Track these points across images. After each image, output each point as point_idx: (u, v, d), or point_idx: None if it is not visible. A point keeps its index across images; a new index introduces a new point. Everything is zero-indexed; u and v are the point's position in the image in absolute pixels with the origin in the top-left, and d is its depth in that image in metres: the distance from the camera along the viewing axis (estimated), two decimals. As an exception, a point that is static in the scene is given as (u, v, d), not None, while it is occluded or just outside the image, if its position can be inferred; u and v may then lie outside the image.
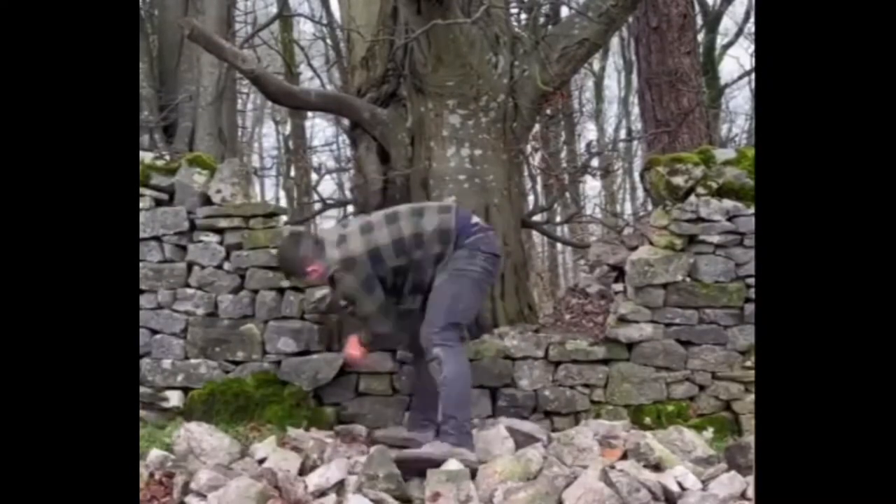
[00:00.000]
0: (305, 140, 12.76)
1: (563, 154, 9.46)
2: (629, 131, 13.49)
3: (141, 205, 3.42)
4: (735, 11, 11.38)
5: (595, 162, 5.84)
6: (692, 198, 3.32)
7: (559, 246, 11.21)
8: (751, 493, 2.40)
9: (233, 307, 3.41)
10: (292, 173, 12.63)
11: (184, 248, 3.47)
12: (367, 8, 4.78)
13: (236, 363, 3.41)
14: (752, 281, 3.26)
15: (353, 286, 2.89)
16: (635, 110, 11.42)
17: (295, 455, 2.79)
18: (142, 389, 3.37)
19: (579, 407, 3.34)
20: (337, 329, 3.44)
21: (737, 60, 16.77)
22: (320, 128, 16.69)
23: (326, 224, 8.56)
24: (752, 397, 3.21)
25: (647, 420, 3.27)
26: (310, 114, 11.26)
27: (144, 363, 3.43)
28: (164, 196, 3.51)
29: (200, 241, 3.45)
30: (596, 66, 13.31)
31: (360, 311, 2.97)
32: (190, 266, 3.46)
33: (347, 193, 7.65)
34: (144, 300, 3.44)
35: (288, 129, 13.14)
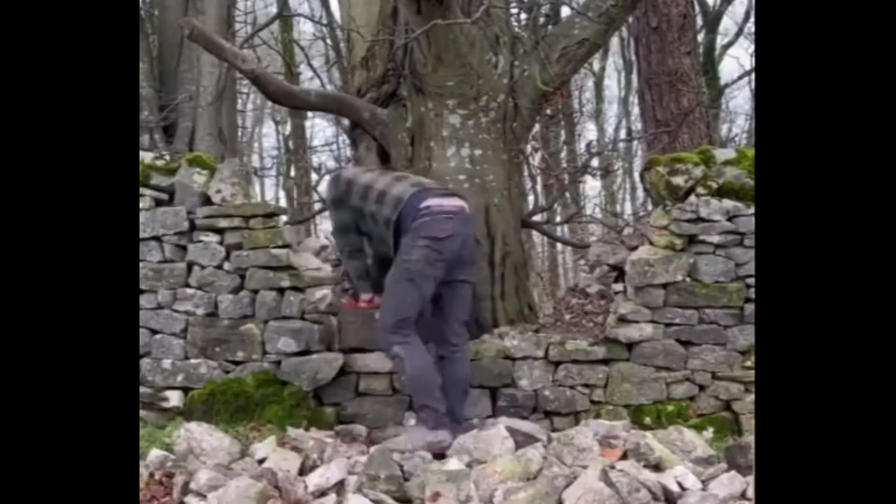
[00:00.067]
0: (305, 140, 12.77)
1: (563, 154, 9.47)
2: (629, 131, 13.50)
3: (141, 205, 3.42)
4: (735, 11, 11.40)
5: (595, 162, 5.84)
6: (692, 198, 3.32)
7: (559, 246, 11.22)
8: (751, 493, 2.40)
9: (233, 307, 3.41)
10: (292, 173, 12.64)
11: (184, 248, 3.47)
12: (367, 8, 4.78)
13: (236, 363, 3.41)
14: (752, 281, 3.26)
15: (327, 198, 3.48)
16: (635, 110, 11.43)
17: (295, 455, 2.79)
18: (142, 389, 3.37)
19: (579, 407, 3.34)
20: (337, 329, 3.44)
21: (737, 60, 16.80)
22: (320, 128, 16.72)
23: (326, 224, 8.56)
24: (752, 397, 3.21)
25: (647, 420, 3.27)
26: (310, 114, 11.27)
27: (144, 363, 3.43)
28: (164, 196, 3.51)
29: (200, 241, 3.45)
30: (596, 66, 13.33)
31: (332, 225, 3.44)
32: (190, 266, 3.46)
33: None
34: (144, 300, 3.44)
35: (288, 129, 13.16)
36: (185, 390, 3.42)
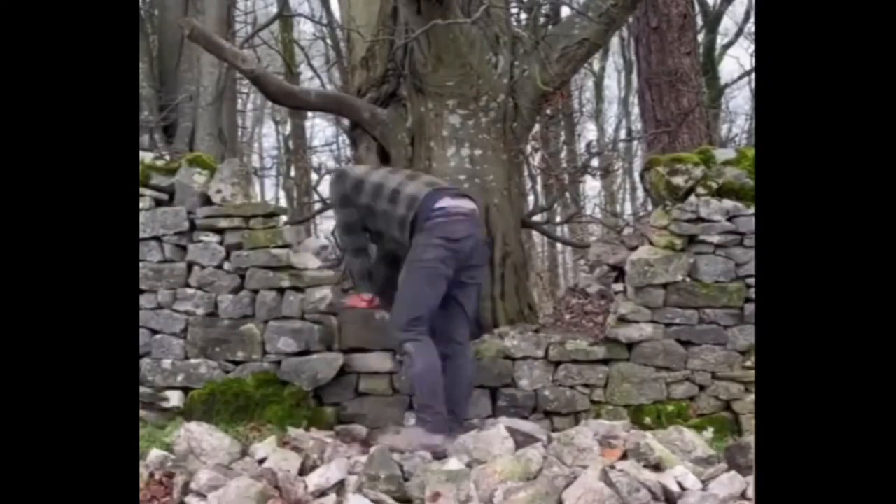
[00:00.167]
0: (305, 140, 12.77)
1: (563, 154, 9.47)
2: (629, 131, 13.50)
3: (141, 205, 3.42)
4: (735, 11, 11.39)
5: (595, 162, 5.84)
6: (692, 198, 3.32)
7: (559, 246, 11.21)
8: (751, 493, 2.40)
9: (233, 307, 3.41)
10: (292, 173, 12.63)
11: (184, 248, 3.47)
12: (367, 8, 4.78)
13: (236, 363, 3.41)
14: (752, 281, 3.26)
15: (332, 196, 3.36)
16: (635, 110, 11.43)
17: (295, 455, 2.79)
18: (142, 389, 3.37)
19: (579, 407, 3.34)
20: (337, 329, 3.44)
21: (737, 60, 16.77)
22: (320, 128, 16.70)
23: (326, 224, 8.56)
24: (752, 397, 3.21)
25: (647, 420, 3.27)
26: (310, 114, 11.26)
27: (144, 363, 3.43)
28: (164, 196, 3.51)
29: (200, 241, 3.45)
30: (596, 66, 13.32)
31: (336, 223, 3.42)
32: (190, 266, 3.46)
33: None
34: (144, 300, 3.43)
35: (288, 129, 13.15)
36: (185, 390, 3.42)
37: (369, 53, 4.41)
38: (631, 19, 6.64)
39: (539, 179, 5.89)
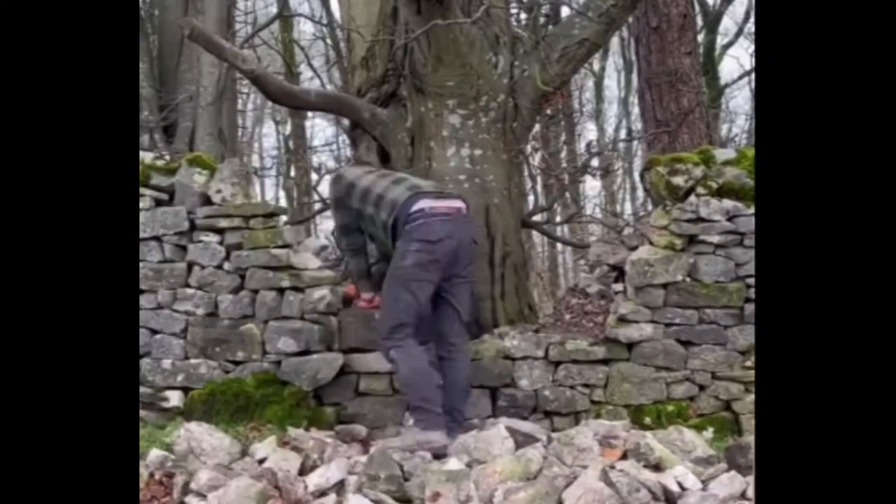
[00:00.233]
0: (305, 140, 12.77)
1: (563, 154, 9.47)
2: (629, 131, 13.51)
3: (141, 205, 3.42)
4: (735, 11, 11.40)
5: (595, 162, 5.83)
6: (692, 198, 3.32)
7: (559, 246, 11.22)
8: (751, 493, 2.40)
9: (233, 307, 3.41)
10: (292, 173, 12.64)
11: (184, 248, 3.47)
12: (367, 8, 4.78)
13: (236, 363, 3.41)
14: (752, 281, 3.26)
15: (330, 197, 3.45)
16: (635, 110, 11.43)
17: (295, 455, 2.79)
18: (142, 389, 3.37)
19: (579, 407, 3.34)
20: (337, 329, 3.44)
21: (737, 60, 16.79)
22: (320, 128, 16.71)
23: (326, 224, 8.56)
24: (752, 397, 3.21)
25: (647, 420, 3.27)
26: (310, 114, 11.27)
27: (144, 363, 3.43)
28: (164, 196, 3.51)
29: (200, 241, 3.45)
30: (596, 66, 13.33)
31: (335, 224, 3.47)
32: (190, 266, 3.46)
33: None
34: (144, 300, 3.44)
35: (288, 129, 13.16)
36: (185, 390, 3.42)
37: (369, 53, 4.41)
38: (631, 19, 6.64)
39: (539, 179, 5.89)
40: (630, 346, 3.33)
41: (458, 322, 3.15)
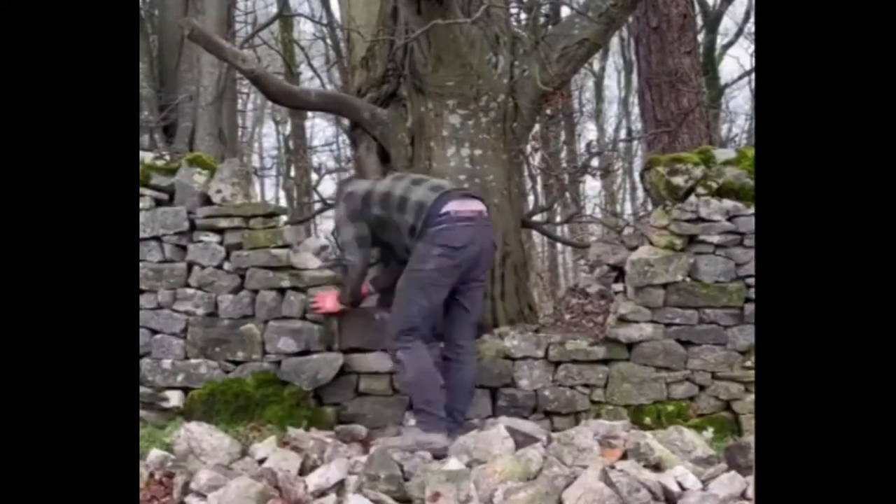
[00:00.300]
0: (305, 140, 12.77)
1: (563, 154, 9.47)
2: (629, 131, 13.51)
3: (141, 205, 3.42)
4: (735, 11, 11.40)
5: (595, 162, 5.84)
6: (692, 198, 3.32)
7: (559, 246, 11.22)
8: (751, 493, 2.41)
9: (233, 307, 3.41)
10: (292, 173, 12.64)
11: (184, 248, 3.47)
12: (367, 8, 4.78)
13: (236, 363, 3.41)
14: (752, 281, 3.26)
15: (340, 214, 3.22)
16: (635, 110, 11.43)
17: (295, 455, 2.79)
18: (142, 389, 3.37)
19: (579, 407, 3.34)
20: (337, 329, 3.44)
21: (737, 60, 16.81)
22: (320, 128, 16.73)
23: (326, 224, 8.56)
24: (752, 397, 3.21)
25: (647, 420, 3.27)
26: (310, 114, 11.27)
27: (144, 363, 3.43)
28: (164, 196, 3.51)
29: (200, 241, 3.45)
30: (596, 66, 13.33)
31: (340, 239, 3.27)
32: (190, 266, 3.46)
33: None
34: (144, 300, 3.44)
35: (288, 129, 13.16)
36: (185, 390, 3.42)
37: (369, 53, 4.41)
38: (631, 19, 6.65)
39: (539, 179, 5.89)
40: (630, 346, 3.33)
41: (469, 325, 3.16)
